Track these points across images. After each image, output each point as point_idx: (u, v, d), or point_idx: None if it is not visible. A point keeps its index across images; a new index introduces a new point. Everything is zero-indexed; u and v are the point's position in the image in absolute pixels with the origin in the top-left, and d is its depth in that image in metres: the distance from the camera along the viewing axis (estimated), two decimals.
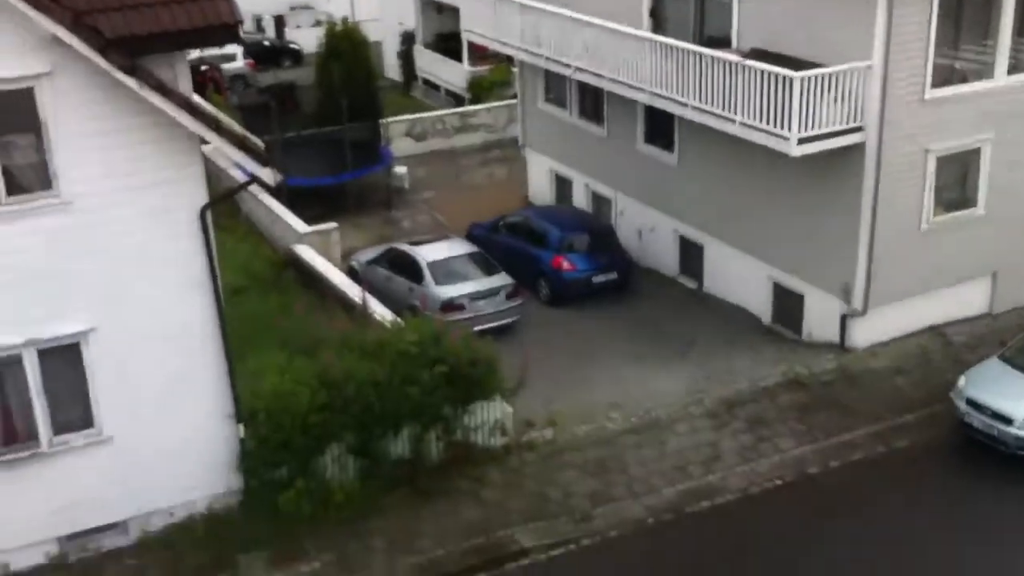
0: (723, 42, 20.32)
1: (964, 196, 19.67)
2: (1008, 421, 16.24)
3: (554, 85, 26.10)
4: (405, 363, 15.54)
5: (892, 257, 18.87)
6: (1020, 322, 19.87)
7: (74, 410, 13.84)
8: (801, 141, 17.83)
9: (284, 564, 14.26)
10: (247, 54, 41.85)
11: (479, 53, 34.64)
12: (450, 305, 20.27)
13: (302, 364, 15.41)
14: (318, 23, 44.77)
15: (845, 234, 18.90)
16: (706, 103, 19.31)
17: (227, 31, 13.03)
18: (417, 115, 33.60)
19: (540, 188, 27.69)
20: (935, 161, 18.82)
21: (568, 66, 23.13)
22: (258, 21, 48.24)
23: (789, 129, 17.72)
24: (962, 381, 17.16)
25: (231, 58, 40.23)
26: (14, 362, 13.34)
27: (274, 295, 20.31)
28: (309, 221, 23.26)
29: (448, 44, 37.80)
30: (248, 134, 15.02)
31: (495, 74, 35.82)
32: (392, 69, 41.61)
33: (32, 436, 13.65)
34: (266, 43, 46.18)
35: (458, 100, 36.92)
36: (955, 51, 18.90)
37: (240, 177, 20.43)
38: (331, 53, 29.67)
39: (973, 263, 20.02)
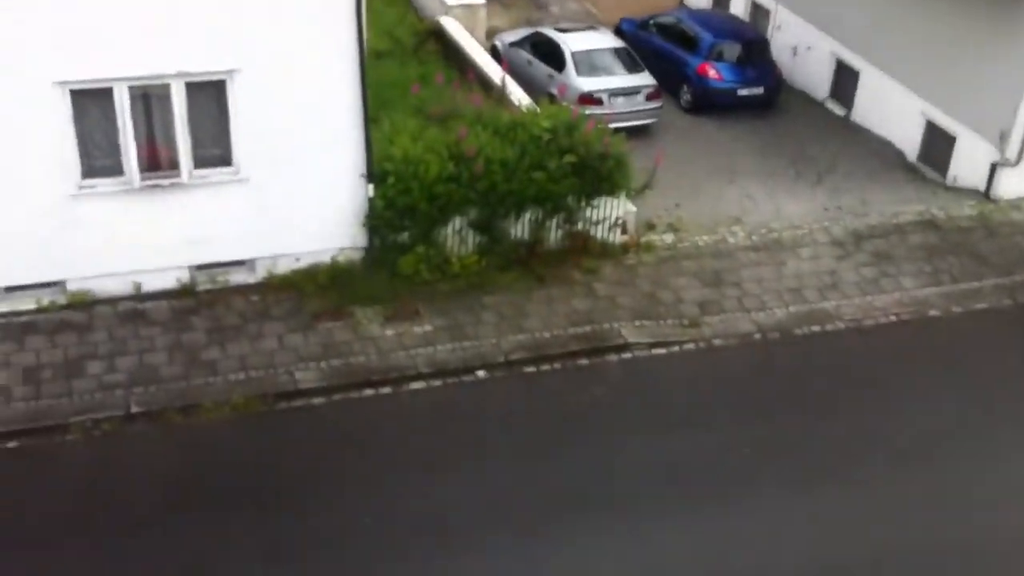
0: None
1: None
2: None
3: None
4: (535, 148, 15.54)
5: None
6: None
7: (215, 148, 14.25)
8: None
9: (397, 322, 14.76)
10: None
11: None
12: (588, 98, 19.96)
13: (435, 134, 15.54)
14: None
15: (1012, 80, 17.85)
16: None
17: None
18: None
19: None
20: None
21: None
22: None
23: None
24: None
25: None
26: (163, 92, 13.74)
27: (414, 64, 20.31)
28: None
29: None
30: None
31: None
32: None
33: (174, 166, 14.19)
34: None
35: None
36: None
37: None
38: None
39: None
